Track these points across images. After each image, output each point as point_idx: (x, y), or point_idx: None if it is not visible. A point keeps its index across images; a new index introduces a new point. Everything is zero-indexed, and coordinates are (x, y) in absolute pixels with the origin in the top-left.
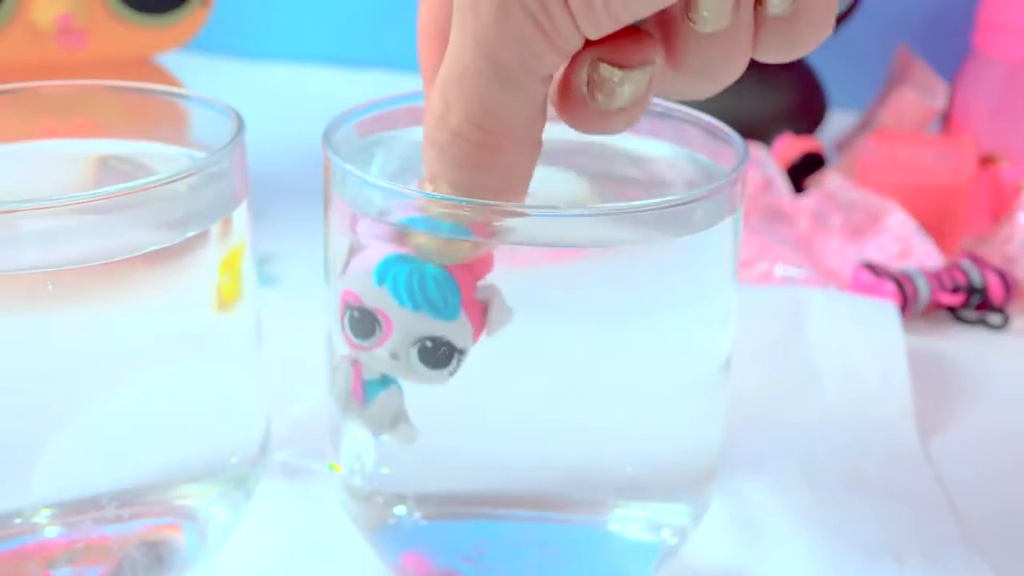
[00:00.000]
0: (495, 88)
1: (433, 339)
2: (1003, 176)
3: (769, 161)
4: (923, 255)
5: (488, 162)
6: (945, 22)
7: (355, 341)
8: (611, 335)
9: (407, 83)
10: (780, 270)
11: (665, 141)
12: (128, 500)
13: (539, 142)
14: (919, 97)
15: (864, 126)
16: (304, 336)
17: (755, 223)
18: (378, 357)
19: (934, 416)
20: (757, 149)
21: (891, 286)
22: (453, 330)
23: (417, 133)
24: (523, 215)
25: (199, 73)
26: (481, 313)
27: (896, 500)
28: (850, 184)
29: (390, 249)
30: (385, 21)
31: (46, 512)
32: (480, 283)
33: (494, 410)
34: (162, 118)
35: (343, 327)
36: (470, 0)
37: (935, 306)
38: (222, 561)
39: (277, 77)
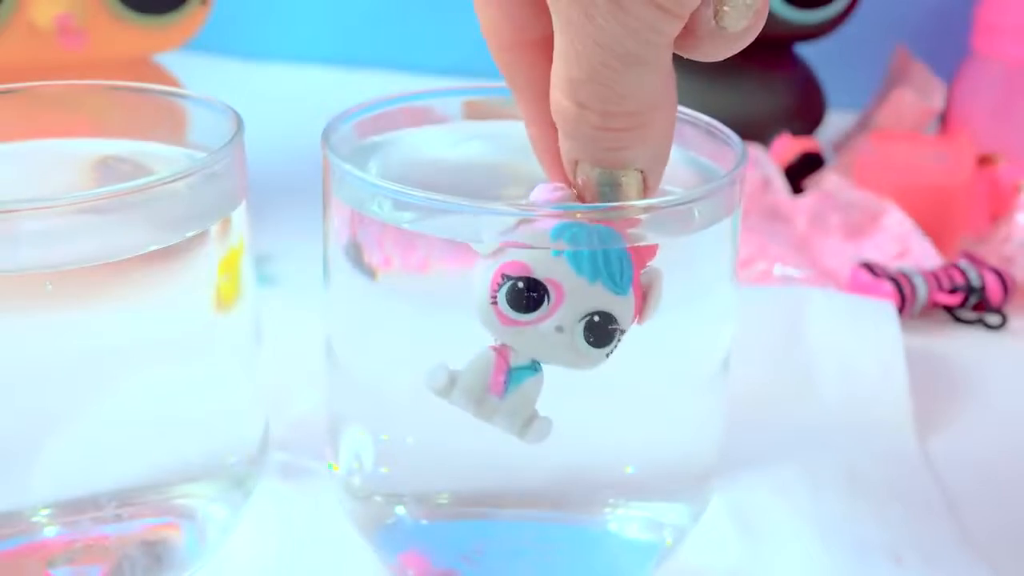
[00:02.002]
0: (629, 76)
1: (602, 314)
2: (1001, 176)
3: (767, 161)
4: (921, 255)
5: (638, 141)
6: (943, 23)
7: (513, 316)
8: None
9: (407, 83)
10: (779, 270)
11: None
12: (127, 500)
13: (675, 97)
14: (917, 97)
15: (862, 126)
16: (303, 336)
17: (754, 223)
18: (539, 332)
19: (932, 416)
20: (755, 149)
21: (889, 286)
22: (621, 306)
23: (415, 134)
24: (521, 215)
25: (198, 73)
26: (640, 297)
27: (894, 500)
28: (848, 184)
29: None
30: (384, 21)
31: (45, 512)
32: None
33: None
34: (161, 118)
35: (496, 302)
36: (577, 7)
37: (933, 306)
38: (221, 561)
39: (276, 77)
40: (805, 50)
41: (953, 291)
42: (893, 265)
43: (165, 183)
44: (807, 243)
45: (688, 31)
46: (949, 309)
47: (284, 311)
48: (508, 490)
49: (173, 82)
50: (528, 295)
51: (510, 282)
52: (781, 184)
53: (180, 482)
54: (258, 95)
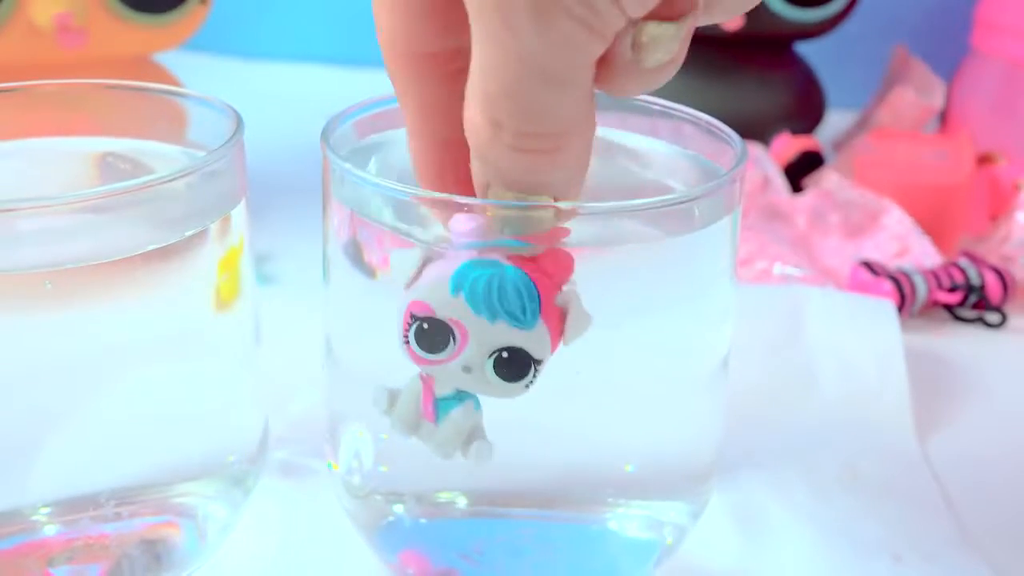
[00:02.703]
0: (548, 95)
1: (510, 349)
2: (1001, 175)
3: (767, 160)
4: (921, 254)
5: (553, 164)
6: (943, 21)
7: (423, 356)
8: (609, 334)
9: None
10: (778, 269)
11: (663, 140)
12: (127, 498)
13: (595, 120)
14: (917, 96)
15: (862, 125)
16: (302, 335)
17: (753, 222)
18: (449, 371)
19: (932, 414)
20: (755, 148)
21: (889, 284)
22: (531, 340)
23: None
24: (518, 213)
25: (198, 72)
26: (560, 320)
27: (894, 498)
28: (848, 183)
29: (468, 257)
30: None
31: (45, 510)
32: (562, 289)
33: (493, 408)
34: (161, 117)
35: (408, 341)
36: (499, 16)
37: (933, 304)
38: (220, 559)
39: (276, 76)
40: (805, 49)
41: (953, 290)
42: (893, 264)
43: (165, 182)
44: (807, 242)
45: (604, 62)
46: (949, 308)
47: (284, 310)
48: (508, 489)
49: (173, 81)
50: (433, 337)
51: (416, 323)
52: (781, 183)
53: (180, 481)
54: (258, 94)
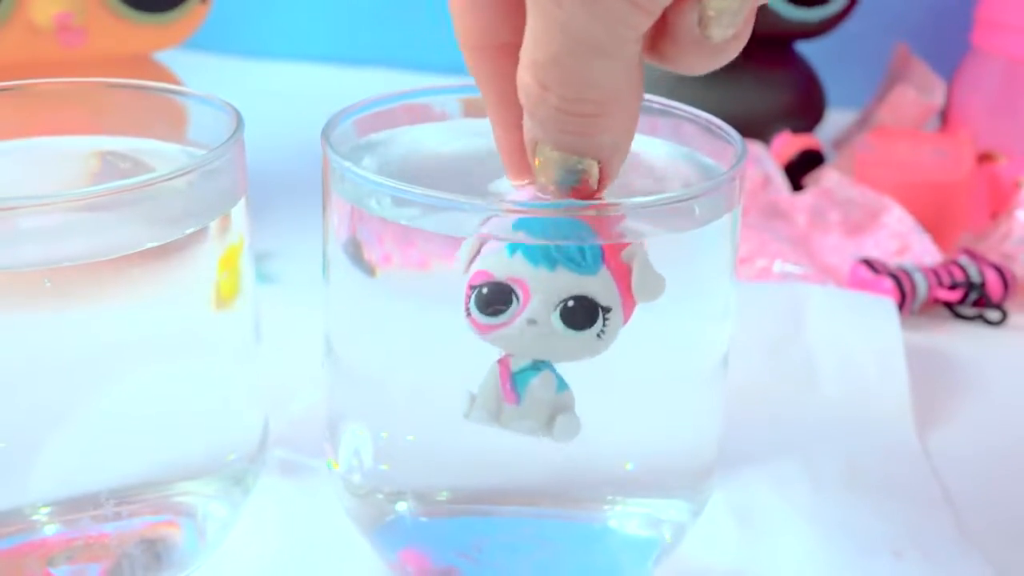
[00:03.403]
0: (593, 64)
1: (575, 298)
2: (1001, 173)
3: (767, 158)
4: (921, 252)
5: (597, 128)
6: (943, 19)
7: (485, 321)
8: None
9: (407, 81)
10: (779, 267)
11: (663, 138)
12: (126, 498)
13: (641, 92)
14: (917, 94)
15: (862, 123)
16: (302, 333)
17: (754, 220)
18: (515, 331)
19: (932, 411)
20: (755, 147)
21: (889, 282)
22: (595, 285)
23: (416, 131)
24: (517, 212)
25: (198, 71)
26: (628, 278)
27: (894, 495)
28: (848, 181)
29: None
30: (385, 20)
31: (45, 510)
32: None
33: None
34: (161, 115)
35: (469, 313)
36: None
37: (933, 302)
38: (220, 558)
39: (276, 75)
40: (805, 48)
41: (953, 287)
42: (893, 261)
43: (165, 180)
44: (807, 240)
45: (670, 39)
46: (949, 305)
47: (284, 308)
48: (508, 487)
49: (173, 80)
50: (493, 298)
51: (475, 290)
52: (781, 181)
53: (179, 480)
54: (258, 92)
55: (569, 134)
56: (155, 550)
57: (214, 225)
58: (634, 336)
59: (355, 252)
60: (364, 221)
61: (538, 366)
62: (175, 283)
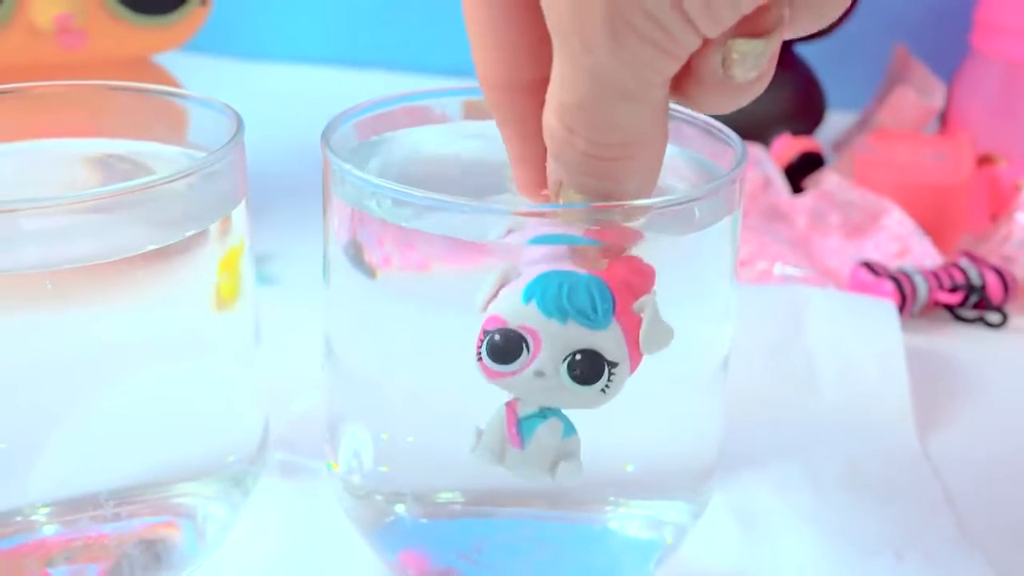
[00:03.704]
0: (620, 109)
1: (583, 351)
2: (1001, 175)
3: (767, 161)
4: (921, 254)
5: (624, 172)
6: (943, 22)
7: (496, 368)
8: None
9: (407, 83)
10: (779, 269)
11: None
12: (126, 498)
13: (666, 136)
14: (917, 97)
15: (862, 126)
16: (302, 335)
17: (754, 222)
18: (523, 381)
19: (933, 414)
20: (756, 149)
21: (889, 285)
22: (605, 340)
23: (415, 133)
24: (525, 215)
25: (198, 73)
26: (636, 325)
27: (895, 498)
28: (848, 183)
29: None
30: (385, 21)
31: (44, 510)
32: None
33: (494, 407)
34: (161, 118)
35: (480, 357)
36: (576, 34)
37: (934, 305)
38: (220, 559)
39: (276, 77)
40: (805, 50)
41: (953, 290)
42: (893, 264)
43: (165, 183)
44: (807, 242)
45: (695, 81)
46: (950, 308)
47: (284, 310)
48: (508, 489)
49: (173, 82)
50: (505, 347)
51: (488, 337)
52: (781, 184)
53: (179, 481)
54: (258, 95)
55: (594, 178)
56: (154, 551)
57: (214, 227)
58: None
59: (356, 254)
60: (365, 223)
61: (545, 413)
62: (175, 285)
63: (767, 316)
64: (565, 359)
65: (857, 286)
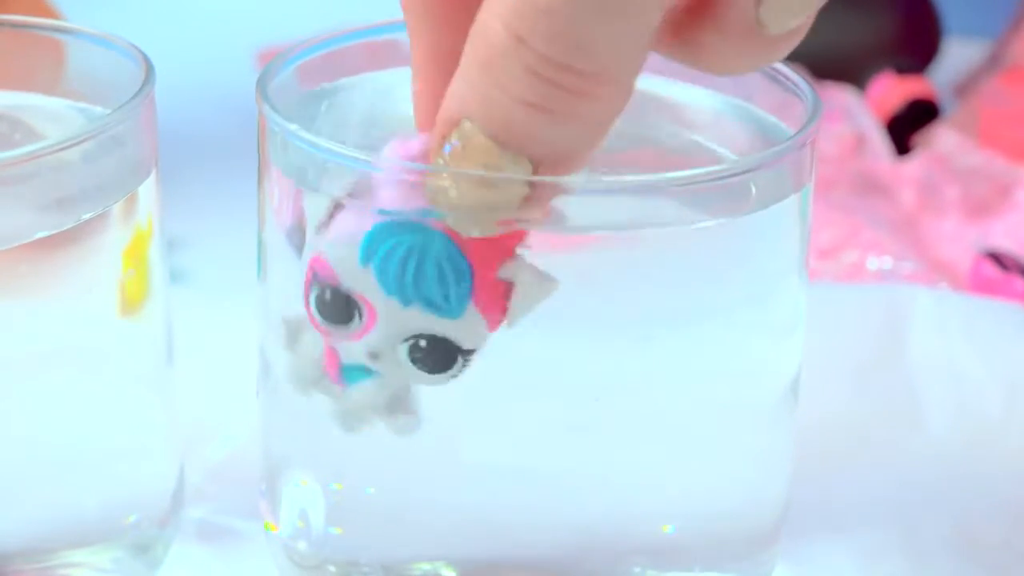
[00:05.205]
0: (600, 23)
1: (428, 338)
2: None
3: (862, 111)
4: None
5: (571, 114)
6: None
7: (324, 326)
8: (638, 350)
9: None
10: (873, 262)
11: (711, 89)
12: None
13: (634, 82)
14: None
15: (992, 63)
16: (229, 350)
17: (841, 197)
18: (353, 351)
19: None
20: (845, 94)
21: (1023, 283)
22: (457, 328)
23: (378, 79)
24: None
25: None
26: (503, 296)
27: (1021, 570)
28: (971, 144)
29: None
30: None
31: None
32: (507, 261)
33: (484, 450)
34: (43, 62)
35: (307, 303)
36: None
37: None
38: None
39: (193, 4)
40: None
41: None
42: None
43: (54, 151)
44: (914, 225)
45: (712, 25)
46: None
47: (200, 316)
48: (504, 558)
49: (56, 15)
50: (334, 309)
51: (317, 289)
52: (880, 143)
53: (64, 548)
54: (171, 30)
55: (529, 111)
56: None
57: (117, 208)
58: (672, 356)
59: (302, 242)
60: (315, 202)
61: (372, 371)
62: (68, 284)
63: (855, 326)
64: (406, 340)
65: (980, 285)
